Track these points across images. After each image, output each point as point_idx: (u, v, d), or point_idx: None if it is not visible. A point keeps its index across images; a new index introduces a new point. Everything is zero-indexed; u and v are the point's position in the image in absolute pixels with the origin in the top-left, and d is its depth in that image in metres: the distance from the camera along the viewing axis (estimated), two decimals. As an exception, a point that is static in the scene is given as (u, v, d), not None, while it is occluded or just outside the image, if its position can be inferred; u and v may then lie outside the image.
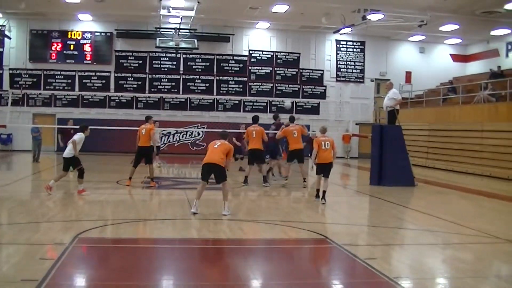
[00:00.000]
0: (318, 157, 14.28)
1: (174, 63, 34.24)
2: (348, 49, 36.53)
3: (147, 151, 17.09)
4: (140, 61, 33.89)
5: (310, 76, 35.90)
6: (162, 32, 31.95)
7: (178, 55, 34.12)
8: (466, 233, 10.78)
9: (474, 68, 36.21)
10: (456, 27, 31.42)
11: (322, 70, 36.05)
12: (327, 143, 14.27)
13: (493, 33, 32.43)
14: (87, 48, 33.19)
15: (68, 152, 14.60)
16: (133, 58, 33.83)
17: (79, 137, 14.62)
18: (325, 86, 35.99)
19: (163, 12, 28.46)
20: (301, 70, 35.73)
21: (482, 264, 8.59)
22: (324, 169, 14.25)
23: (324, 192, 14.12)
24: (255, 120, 18.14)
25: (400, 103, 20.53)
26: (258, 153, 17.52)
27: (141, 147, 17.00)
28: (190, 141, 33.94)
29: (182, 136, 33.60)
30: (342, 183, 20.58)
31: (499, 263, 8.88)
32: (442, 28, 31.87)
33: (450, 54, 37.87)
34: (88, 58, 33.23)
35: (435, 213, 13.26)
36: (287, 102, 26.25)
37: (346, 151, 34.17)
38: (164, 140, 33.03)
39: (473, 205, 15.67)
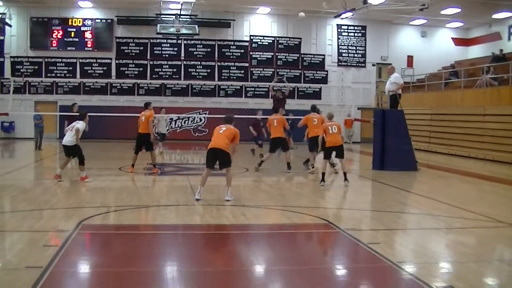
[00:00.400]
0: (326, 141, 14.72)
1: (175, 49, 34.19)
2: (349, 34, 36.47)
3: (146, 138, 16.99)
4: (141, 48, 33.85)
5: (312, 61, 35.86)
6: (162, 18, 31.92)
7: (179, 41, 34.06)
8: (469, 217, 10.79)
9: (476, 51, 36.11)
10: (458, 10, 31.34)
11: (324, 55, 36.01)
12: (334, 127, 14.72)
13: (495, 16, 32.35)
14: (88, 35, 33.15)
15: (69, 140, 14.40)
16: (134, 44, 33.78)
17: (82, 125, 14.45)
18: (327, 71, 35.95)
19: (164, -2, 28.40)
20: (302, 55, 35.69)
21: (485, 248, 8.60)
22: (336, 152, 14.93)
23: (345, 173, 14.83)
24: (276, 110, 18.58)
25: (402, 87, 20.48)
26: (280, 141, 17.72)
27: (140, 133, 16.97)
28: (192, 127, 33.95)
29: (184, 122, 33.59)
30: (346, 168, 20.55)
31: (501, 247, 8.89)
32: (443, 12, 31.78)
33: (451, 38, 37.77)
34: (89, 45, 33.19)
35: (438, 197, 13.28)
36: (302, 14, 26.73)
37: (348, 135, 34.14)
38: (166, 126, 33.02)
39: (475, 189, 15.68)
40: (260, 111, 23.40)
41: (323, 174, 14.74)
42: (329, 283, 6.84)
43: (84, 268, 7.16)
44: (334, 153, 15.06)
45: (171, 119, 32.58)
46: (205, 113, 33.19)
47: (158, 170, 17.16)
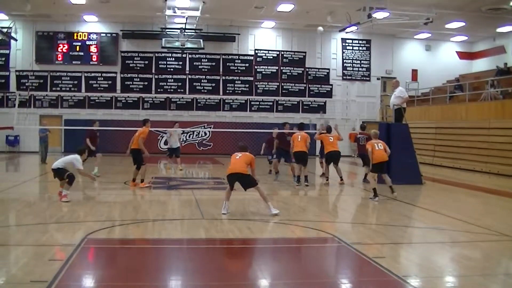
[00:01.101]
0: (373, 158, 15.20)
1: (180, 63, 34.28)
2: (354, 48, 36.54)
3: (135, 154, 16.95)
4: (146, 62, 33.96)
5: (316, 75, 35.91)
6: (167, 33, 32.03)
7: (184, 55, 34.16)
8: (474, 231, 10.76)
9: (481, 65, 36.10)
10: (462, 24, 31.39)
11: (328, 69, 36.07)
12: (380, 145, 15.34)
13: (499, 30, 32.38)
14: (93, 49, 33.29)
15: (62, 164, 13.89)
16: (139, 58, 33.89)
17: (79, 163, 14.00)
18: (331, 85, 35.99)
19: (169, 12, 28.52)
20: (307, 69, 35.74)
21: (491, 262, 8.58)
22: (381, 168, 15.38)
23: (391, 187, 15.28)
24: (301, 127, 19.05)
25: (407, 101, 20.52)
26: (302, 155, 17.98)
27: (131, 149, 17.04)
28: (197, 141, 33.97)
29: (189, 136, 33.59)
30: (350, 181, 20.55)
31: (507, 260, 8.87)
32: (448, 26, 31.83)
33: (456, 52, 37.82)
34: (94, 59, 33.32)
35: (443, 211, 13.25)
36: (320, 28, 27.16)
37: (353, 149, 34.03)
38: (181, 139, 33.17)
39: (481, 202, 15.64)
40: (276, 127, 23.15)
41: (375, 189, 14.98)
42: (334, 297, 6.83)
43: (89, 282, 7.16)
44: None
45: (183, 131, 32.61)
46: (210, 127, 33.21)
47: (147, 184, 17.13)
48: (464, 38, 36.47)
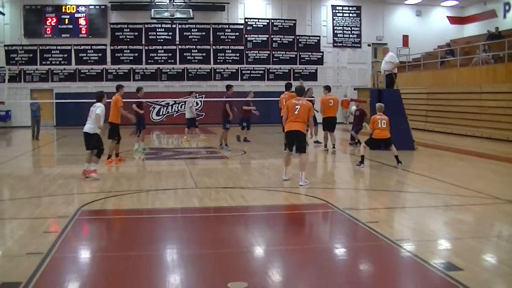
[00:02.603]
0: (374, 134, 14.96)
1: (170, 33, 34.08)
2: (344, 14, 36.39)
3: (111, 128, 15.59)
4: (136, 33, 33.73)
5: (307, 43, 35.81)
6: (156, 3, 31.83)
7: (174, 26, 33.92)
8: (466, 194, 10.82)
9: (472, 30, 36.05)
10: (453, -12, 31.25)
11: (319, 36, 35.96)
12: (383, 122, 14.91)
13: (490, -6, 32.26)
14: (82, 21, 33.02)
15: (90, 127, 13.07)
16: (128, 30, 33.66)
17: (102, 110, 13.14)
18: (322, 52, 35.92)
19: (157, -18, 28.26)
20: (297, 37, 35.61)
21: (483, 225, 8.65)
22: (378, 144, 15.16)
23: (397, 157, 14.73)
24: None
25: (398, 66, 20.50)
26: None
27: (108, 122, 15.31)
28: (189, 111, 33.86)
29: (181, 107, 33.48)
30: (342, 148, 20.59)
31: (499, 223, 8.93)
32: (438, -10, 31.70)
33: (447, 17, 37.71)
34: (83, 32, 33.07)
35: (435, 175, 13.31)
36: None
37: (345, 116, 34.10)
38: (162, 111, 33.11)
39: (472, 167, 15.70)
40: (252, 92, 23.22)
41: (363, 156, 14.84)
42: (329, 261, 6.88)
43: (84, 253, 7.20)
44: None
45: (167, 103, 32.53)
46: (201, 97, 33.12)
47: (112, 162, 15.65)
48: (455, 2, 36.37)
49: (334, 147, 18.66)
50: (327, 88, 19.35)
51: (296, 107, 11.89)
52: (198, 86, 33.89)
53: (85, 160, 13.16)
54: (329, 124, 18.70)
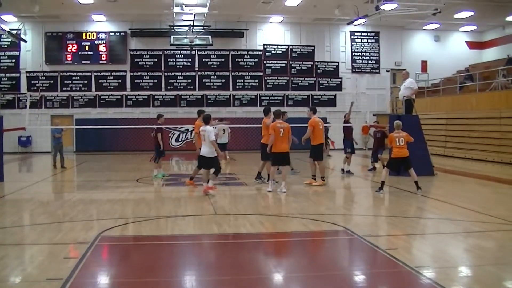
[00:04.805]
0: (393, 153, 15.01)
1: (189, 60, 34.33)
2: (362, 40, 36.46)
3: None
4: (155, 60, 34.03)
5: (326, 69, 35.88)
6: (176, 30, 32.09)
7: (193, 52, 34.18)
8: (487, 220, 10.74)
9: (491, 54, 35.95)
10: (471, 13, 31.23)
11: (337, 62, 36.02)
12: (401, 140, 14.91)
13: (509, 18, 32.21)
14: (102, 48, 33.40)
15: (208, 151, 14.35)
16: (148, 56, 33.96)
17: (211, 133, 14.31)
18: (341, 78, 35.96)
19: (176, 9, 28.50)
20: (316, 63, 35.71)
21: (504, 251, 8.56)
22: (398, 164, 15.25)
23: (416, 182, 14.73)
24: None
25: (417, 92, 20.49)
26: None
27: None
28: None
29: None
30: (362, 174, 20.53)
31: (521, 249, 8.85)
32: (456, 16, 31.70)
33: (465, 42, 37.66)
34: (103, 58, 33.44)
35: (455, 201, 13.23)
36: None
37: (364, 142, 34.03)
38: (182, 137, 33.25)
39: (493, 192, 15.60)
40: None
41: (383, 182, 14.78)
42: (348, 289, 6.86)
43: (104, 279, 7.20)
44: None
45: (187, 129, 32.62)
46: (228, 123, 33.24)
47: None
48: (473, 27, 36.32)
49: (323, 179, 17.02)
50: (313, 110, 17.53)
51: (281, 130, 14.71)
52: (218, 112, 33.97)
53: (202, 180, 14.86)
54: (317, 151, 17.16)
